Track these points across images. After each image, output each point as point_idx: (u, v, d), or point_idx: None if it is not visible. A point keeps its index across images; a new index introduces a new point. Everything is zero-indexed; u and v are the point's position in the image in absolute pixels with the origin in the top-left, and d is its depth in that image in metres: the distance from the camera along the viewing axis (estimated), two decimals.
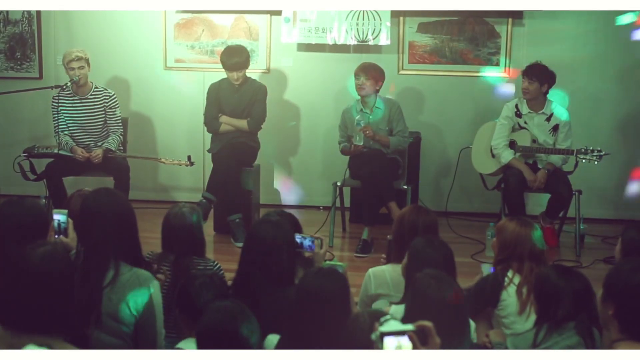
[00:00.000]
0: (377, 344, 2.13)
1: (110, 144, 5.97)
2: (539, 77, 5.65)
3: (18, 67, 6.97)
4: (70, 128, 5.98)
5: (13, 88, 6.62)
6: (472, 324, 3.05)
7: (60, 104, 5.93)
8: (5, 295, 2.54)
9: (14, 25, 6.93)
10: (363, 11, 6.41)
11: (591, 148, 5.56)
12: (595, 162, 5.59)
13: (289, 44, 6.64)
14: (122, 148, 6.17)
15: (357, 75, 5.82)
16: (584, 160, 5.61)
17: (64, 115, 5.95)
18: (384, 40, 6.43)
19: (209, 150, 6.20)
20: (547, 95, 5.75)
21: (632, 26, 6.39)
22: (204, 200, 5.77)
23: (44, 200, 5.76)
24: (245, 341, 2.55)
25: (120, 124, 6.11)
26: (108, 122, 6.04)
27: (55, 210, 3.59)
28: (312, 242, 3.65)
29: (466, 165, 6.29)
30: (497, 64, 6.56)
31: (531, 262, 3.52)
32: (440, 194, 6.66)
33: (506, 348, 3.11)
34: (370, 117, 5.85)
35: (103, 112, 6.02)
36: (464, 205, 6.66)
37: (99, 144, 5.99)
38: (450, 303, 2.52)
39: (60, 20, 6.87)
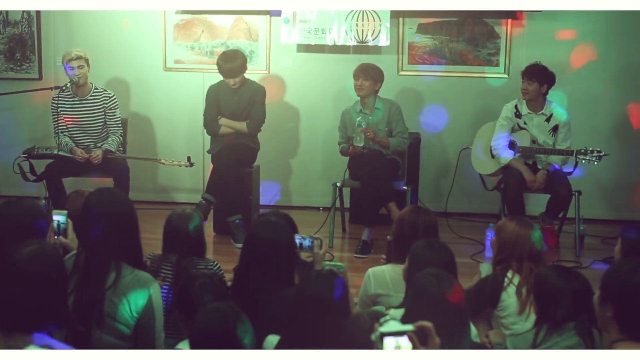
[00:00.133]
0: (377, 344, 2.13)
1: (110, 145, 5.96)
2: (538, 77, 5.64)
3: (18, 68, 6.97)
4: (69, 129, 5.98)
5: (13, 89, 6.63)
6: (474, 328, 3.05)
7: (59, 105, 5.93)
8: None
9: (13, 26, 6.93)
10: (363, 12, 6.41)
11: (591, 149, 5.57)
12: (595, 163, 5.59)
13: (288, 45, 6.64)
14: (121, 149, 6.17)
15: (356, 76, 5.82)
16: (583, 161, 5.60)
17: (64, 116, 5.95)
18: (384, 41, 6.43)
19: (208, 151, 6.20)
20: (547, 96, 5.76)
21: None
22: (204, 202, 5.77)
23: (43, 201, 5.76)
24: (239, 342, 2.54)
25: (120, 125, 6.10)
26: (108, 123, 6.04)
27: (54, 211, 3.58)
28: (312, 242, 3.65)
29: (466, 165, 6.29)
30: (497, 65, 6.56)
31: (530, 262, 3.52)
32: (440, 195, 6.67)
33: (506, 348, 3.11)
34: (370, 118, 5.84)
35: (103, 113, 6.02)
36: (463, 206, 6.67)
37: (99, 144, 5.99)
38: (450, 299, 2.51)
39: (60, 20, 6.87)
